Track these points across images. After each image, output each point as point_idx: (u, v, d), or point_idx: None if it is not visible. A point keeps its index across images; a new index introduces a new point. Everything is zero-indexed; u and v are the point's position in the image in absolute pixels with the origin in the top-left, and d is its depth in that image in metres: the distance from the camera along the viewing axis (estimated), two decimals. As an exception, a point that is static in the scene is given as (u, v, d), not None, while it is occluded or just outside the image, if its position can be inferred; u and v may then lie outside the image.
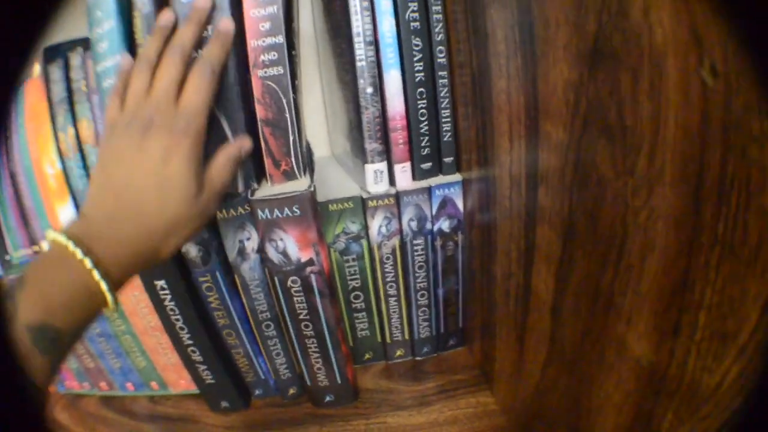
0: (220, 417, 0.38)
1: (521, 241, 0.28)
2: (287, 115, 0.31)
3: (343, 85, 0.36)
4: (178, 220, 0.25)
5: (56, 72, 0.37)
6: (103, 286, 0.22)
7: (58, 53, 0.40)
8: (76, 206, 0.38)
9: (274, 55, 0.31)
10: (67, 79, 0.37)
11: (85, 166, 0.37)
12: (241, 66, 0.31)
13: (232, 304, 0.34)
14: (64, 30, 0.43)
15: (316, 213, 0.30)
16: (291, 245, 0.31)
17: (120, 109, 0.26)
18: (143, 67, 0.26)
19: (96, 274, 0.22)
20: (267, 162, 0.32)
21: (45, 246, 0.24)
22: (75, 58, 0.36)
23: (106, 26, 0.32)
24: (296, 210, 0.30)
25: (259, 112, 0.31)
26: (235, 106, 0.31)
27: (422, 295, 0.35)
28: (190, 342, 0.35)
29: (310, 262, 0.31)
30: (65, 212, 0.38)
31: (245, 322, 0.35)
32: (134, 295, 0.37)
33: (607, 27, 0.18)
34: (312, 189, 0.30)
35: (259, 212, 0.30)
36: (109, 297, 0.22)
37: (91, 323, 0.23)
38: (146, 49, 0.27)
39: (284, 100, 0.31)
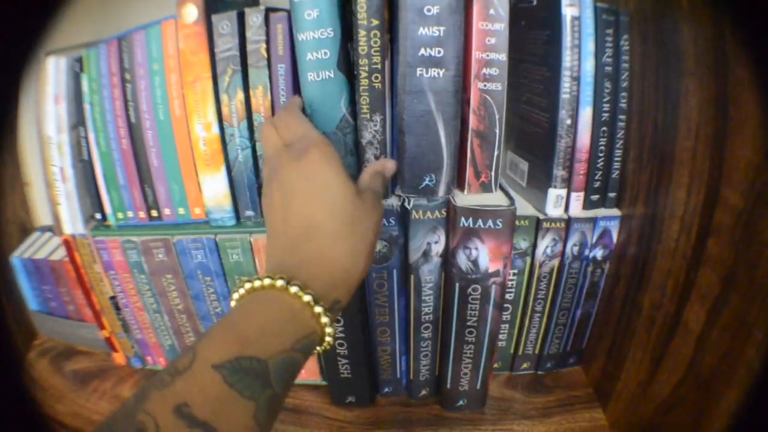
0: (341, 411, 0.38)
1: (680, 277, 0.32)
2: (497, 130, 0.32)
3: (523, 104, 0.38)
4: (347, 218, 0.23)
5: (225, 25, 0.34)
6: (317, 309, 0.20)
7: (221, 4, 0.37)
8: (230, 178, 0.35)
9: (495, 71, 0.32)
10: (242, 37, 0.34)
11: (251, 137, 0.34)
12: (464, 75, 0.32)
13: (398, 303, 0.34)
14: None
15: (513, 228, 0.32)
16: (483, 255, 0.32)
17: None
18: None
19: (305, 297, 0.19)
20: (469, 171, 0.33)
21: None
22: (254, 17, 0.34)
23: (317, -8, 0.30)
24: (498, 223, 0.31)
25: (473, 122, 0.32)
26: (453, 113, 0.31)
27: (563, 315, 0.38)
28: (342, 335, 0.34)
29: (496, 273, 0.32)
30: (214, 184, 0.35)
31: (403, 322, 0.35)
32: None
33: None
34: (515, 206, 0.32)
35: (462, 220, 0.31)
36: (323, 320, 0.20)
37: (302, 362, 0.20)
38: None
39: (497, 116, 0.32)
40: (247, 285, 0.20)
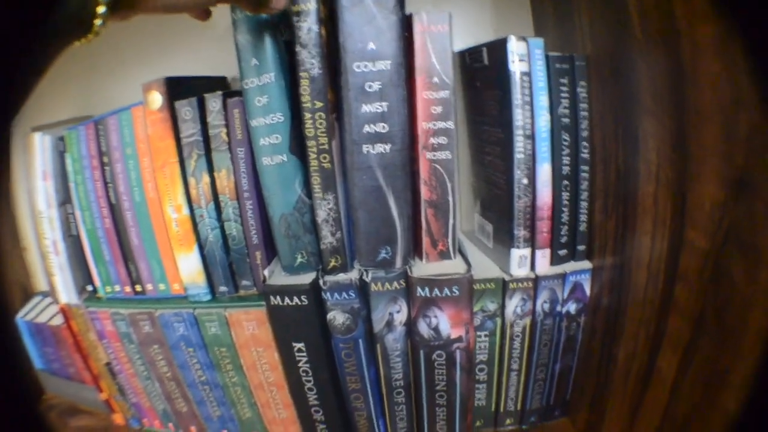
0: (324, 473, 0.41)
1: (651, 326, 0.34)
2: (450, 198, 0.36)
3: (487, 167, 0.41)
4: None
5: (188, 111, 0.39)
6: None
7: (186, 89, 0.42)
8: (203, 256, 0.40)
9: (443, 140, 0.35)
10: (203, 122, 0.39)
11: (219, 218, 0.39)
12: (411, 147, 0.35)
13: (368, 370, 0.38)
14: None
15: (471, 294, 0.35)
16: (443, 322, 0.35)
17: None
18: None
19: None
20: (425, 241, 0.36)
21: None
22: (213, 102, 0.38)
23: (265, 79, 0.34)
24: (455, 291, 0.34)
25: (424, 193, 0.35)
26: (402, 186, 0.35)
27: (541, 371, 0.40)
28: (316, 402, 0.38)
29: (459, 339, 0.36)
30: (188, 262, 0.40)
31: (375, 387, 0.38)
32: (257, 351, 0.40)
33: (751, 162, 0.24)
34: (471, 273, 0.35)
35: (419, 290, 0.35)
36: None
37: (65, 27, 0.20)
38: None
39: (449, 184, 0.35)
40: None
